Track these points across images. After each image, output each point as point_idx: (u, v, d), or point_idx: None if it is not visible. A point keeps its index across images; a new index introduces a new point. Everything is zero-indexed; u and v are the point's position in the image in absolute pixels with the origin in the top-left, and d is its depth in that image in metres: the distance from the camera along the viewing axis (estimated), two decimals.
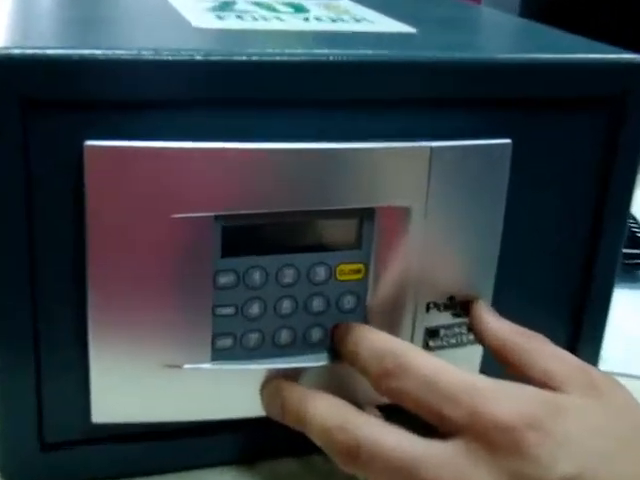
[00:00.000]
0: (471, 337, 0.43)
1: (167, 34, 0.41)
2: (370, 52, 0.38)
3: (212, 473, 0.43)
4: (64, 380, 0.40)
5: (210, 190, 0.37)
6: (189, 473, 0.43)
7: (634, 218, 0.72)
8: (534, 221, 0.44)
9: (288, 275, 0.40)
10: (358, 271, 0.41)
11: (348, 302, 0.41)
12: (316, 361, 0.41)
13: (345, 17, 0.47)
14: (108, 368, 0.39)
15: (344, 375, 0.40)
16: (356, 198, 0.39)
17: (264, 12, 0.46)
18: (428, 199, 0.39)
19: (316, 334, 0.41)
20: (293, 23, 0.44)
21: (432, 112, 0.40)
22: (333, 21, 0.46)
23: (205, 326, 0.39)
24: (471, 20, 0.56)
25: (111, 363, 0.39)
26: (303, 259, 0.40)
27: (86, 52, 0.34)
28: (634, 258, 0.66)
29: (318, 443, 0.36)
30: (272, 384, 0.40)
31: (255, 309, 0.40)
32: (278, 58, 0.37)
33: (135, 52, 0.35)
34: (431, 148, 0.39)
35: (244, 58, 0.36)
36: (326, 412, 0.36)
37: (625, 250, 0.51)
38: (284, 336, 0.41)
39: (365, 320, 0.41)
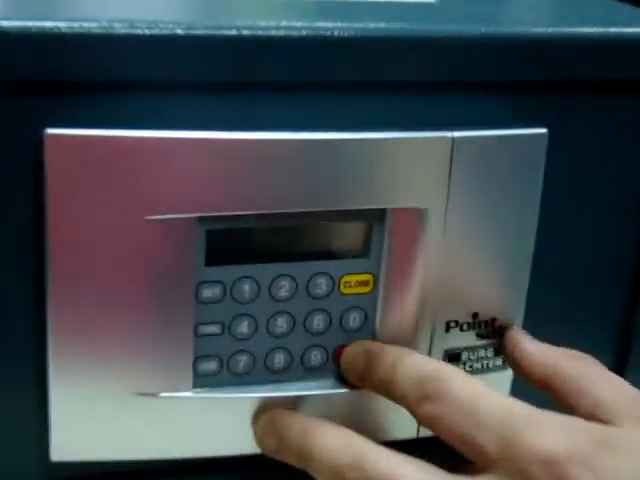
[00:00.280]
0: (498, 362, 0.42)
1: (144, 3, 0.40)
2: (382, 26, 0.37)
3: None
4: (16, 410, 0.39)
5: (192, 187, 0.36)
6: None
7: None
8: (574, 223, 0.43)
9: (283, 287, 0.39)
10: (366, 283, 0.40)
11: (354, 320, 0.40)
12: (316, 388, 0.40)
13: None
14: (70, 395, 0.38)
15: (348, 405, 0.40)
16: (364, 198, 0.38)
17: None
18: (448, 199, 0.39)
19: (316, 357, 0.40)
20: None
21: (453, 97, 0.39)
22: None
23: (186, 347, 0.38)
24: None
25: (74, 390, 0.38)
26: (301, 269, 0.39)
27: (47, 24, 0.33)
28: None
29: None
30: (267, 415, 0.39)
31: (244, 327, 0.39)
32: (274, 33, 0.35)
33: (106, 25, 0.34)
34: (452, 139, 0.38)
35: (233, 32, 0.35)
36: (335, 446, 0.35)
37: None
38: (278, 359, 0.40)
39: (373, 341, 0.40)
